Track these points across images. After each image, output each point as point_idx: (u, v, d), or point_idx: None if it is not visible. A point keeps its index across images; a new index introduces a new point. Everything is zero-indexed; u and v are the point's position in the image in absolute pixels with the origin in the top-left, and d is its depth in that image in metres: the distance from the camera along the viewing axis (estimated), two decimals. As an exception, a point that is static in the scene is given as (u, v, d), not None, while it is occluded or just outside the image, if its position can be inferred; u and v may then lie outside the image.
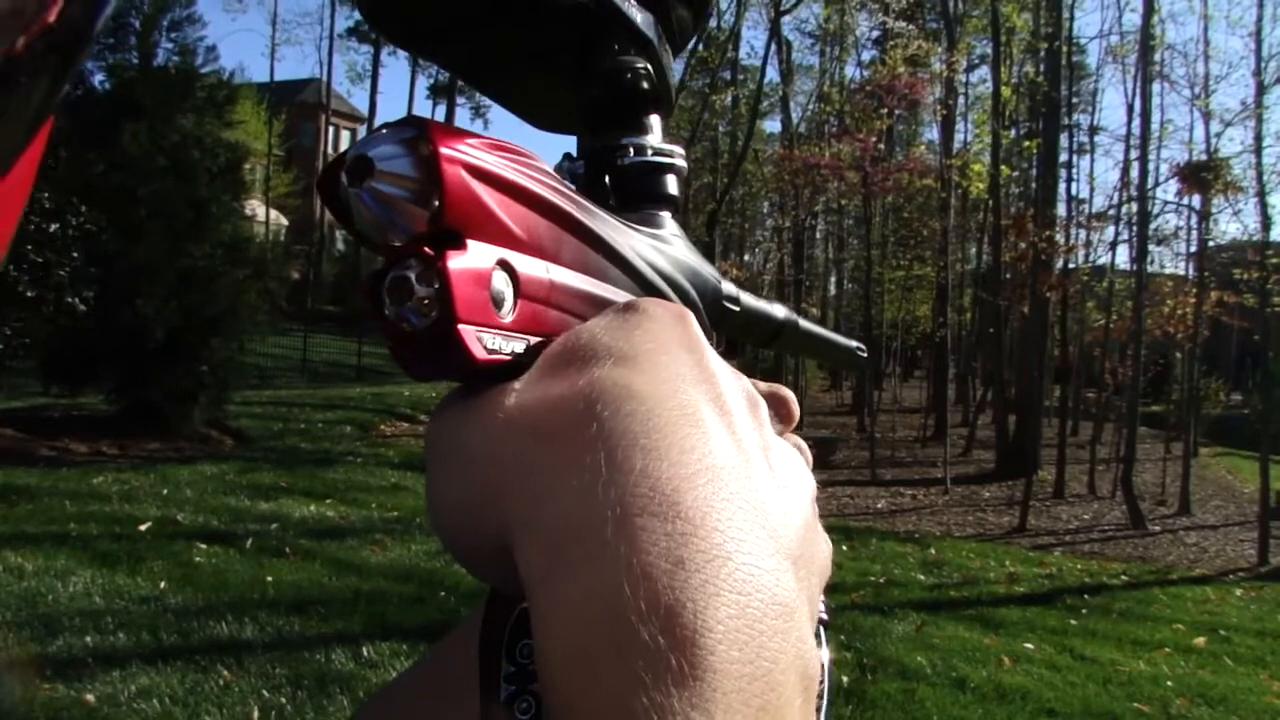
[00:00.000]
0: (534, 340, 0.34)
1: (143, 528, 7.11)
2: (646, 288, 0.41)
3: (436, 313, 0.31)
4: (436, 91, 49.17)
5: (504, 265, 0.32)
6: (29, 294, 10.15)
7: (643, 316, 0.34)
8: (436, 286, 0.30)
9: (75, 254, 10.72)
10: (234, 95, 13.76)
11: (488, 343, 0.31)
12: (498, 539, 0.30)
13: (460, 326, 0.30)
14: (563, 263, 0.35)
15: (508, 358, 0.32)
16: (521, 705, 0.31)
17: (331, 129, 48.38)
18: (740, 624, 0.27)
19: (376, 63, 47.74)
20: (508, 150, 0.33)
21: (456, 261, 0.31)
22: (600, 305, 0.37)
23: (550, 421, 0.31)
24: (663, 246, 0.43)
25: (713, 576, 0.27)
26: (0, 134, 0.28)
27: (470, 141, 0.32)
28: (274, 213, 38.23)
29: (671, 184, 0.46)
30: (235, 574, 6.19)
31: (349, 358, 26.46)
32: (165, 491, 8.61)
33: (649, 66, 0.45)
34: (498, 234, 0.32)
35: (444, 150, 0.31)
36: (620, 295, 0.39)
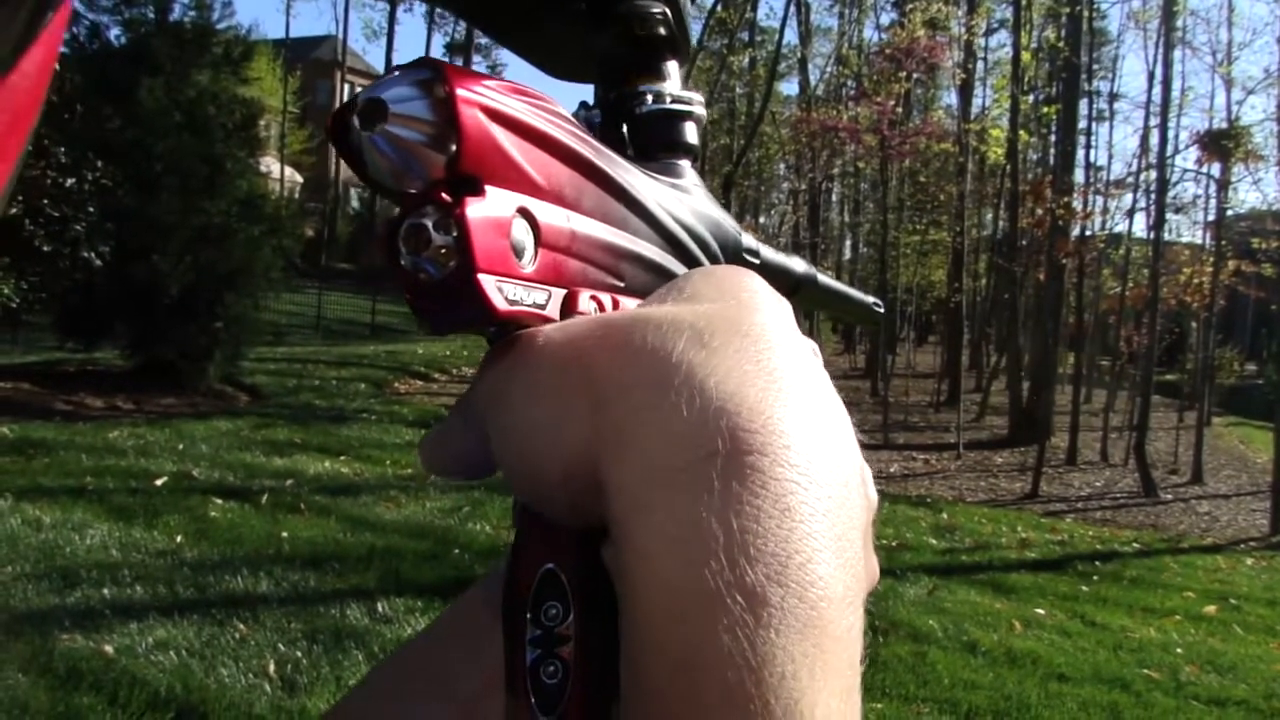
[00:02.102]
0: (555, 291, 0.33)
1: (159, 482, 7.16)
2: (667, 237, 0.40)
3: (455, 262, 0.29)
4: (453, 49, 48.86)
5: (524, 213, 0.31)
6: (45, 248, 10.18)
7: (709, 272, 0.34)
8: (455, 235, 0.29)
9: (91, 209, 10.73)
10: (250, 51, 13.66)
11: (508, 293, 0.30)
12: (577, 461, 0.29)
13: (480, 276, 0.29)
14: (584, 211, 0.34)
15: (529, 309, 0.31)
16: (548, 669, 0.30)
17: (347, 86, 48.15)
18: (839, 586, 0.27)
19: (392, 20, 47.50)
20: (527, 94, 0.32)
21: (475, 209, 0.29)
22: (621, 255, 0.36)
23: (655, 338, 0.29)
24: (683, 196, 0.42)
25: (818, 531, 0.27)
26: None
27: (488, 84, 0.30)
28: (289, 170, 38.12)
29: (691, 132, 0.45)
30: (251, 529, 6.23)
31: (363, 315, 26.49)
32: (181, 447, 8.66)
33: (667, 11, 0.44)
34: (517, 180, 0.31)
35: (461, 92, 0.29)
36: (641, 245, 0.38)
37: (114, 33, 12.57)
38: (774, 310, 0.32)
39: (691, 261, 0.42)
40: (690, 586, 0.26)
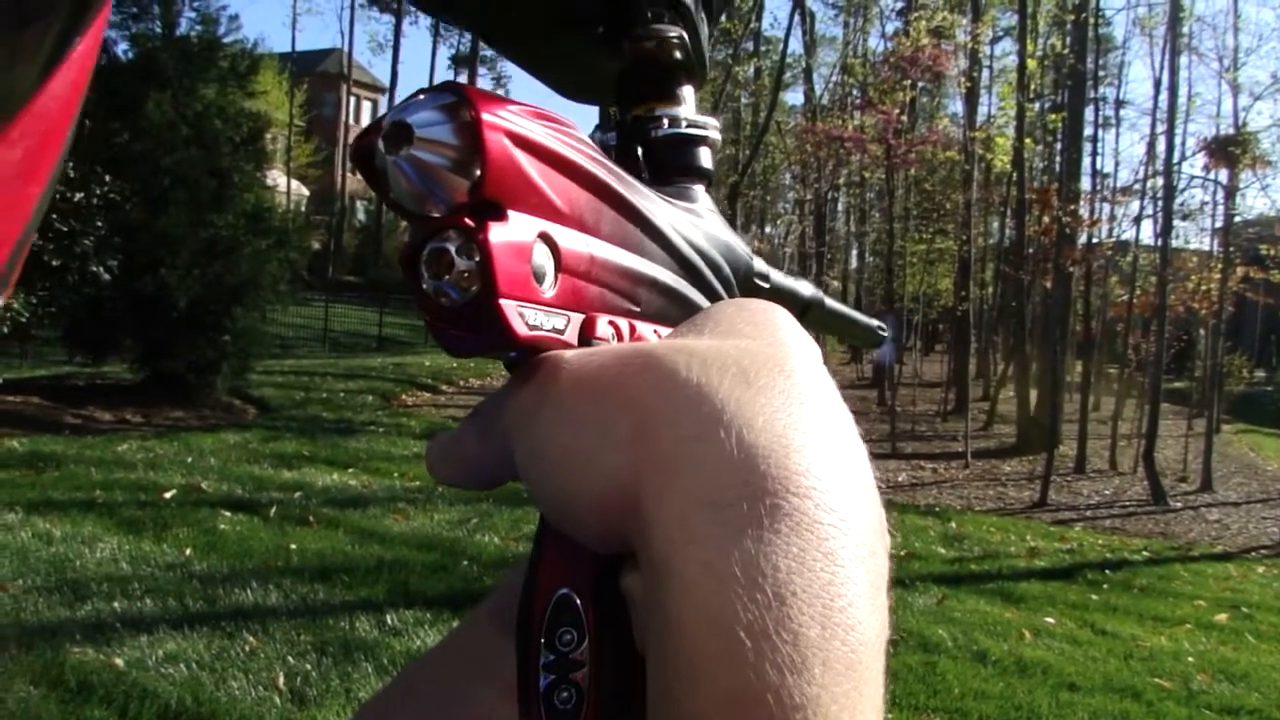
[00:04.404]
0: (574, 316, 0.33)
1: (168, 495, 7.16)
2: (681, 262, 0.40)
3: (477, 287, 0.29)
4: (458, 62, 48.98)
5: (545, 238, 0.31)
6: (54, 263, 10.20)
7: (741, 306, 0.34)
8: (477, 259, 0.29)
9: (99, 223, 10.76)
10: (256, 65, 13.73)
11: (529, 318, 0.30)
12: (615, 488, 0.29)
13: (501, 301, 0.29)
14: (603, 236, 0.35)
15: (549, 334, 0.31)
16: (561, 695, 0.30)
17: (353, 99, 48.26)
18: (872, 632, 0.27)
19: (398, 33, 47.58)
20: (549, 119, 0.32)
21: (498, 234, 0.29)
22: (638, 280, 0.36)
23: (700, 372, 0.29)
24: (697, 220, 0.42)
25: (856, 576, 0.27)
26: (18, 66, 0.27)
27: (512, 108, 0.30)
28: (295, 183, 38.30)
29: (705, 157, 0.45)
30: (259, 541, 6.23)
31: (370, 328, 26.52)
32: (189, 459, 8.67)
33: (684, 35, 0.44)
34: (539, 205, 0.31)
35: (486, 117, 0.29)
36: (657, 269, 0.38)
37: (121, 47, 12.65)
38: (808, 349, 0.32)
39: (704, 285, 0.42)
40: (739, 621, 0.25)
